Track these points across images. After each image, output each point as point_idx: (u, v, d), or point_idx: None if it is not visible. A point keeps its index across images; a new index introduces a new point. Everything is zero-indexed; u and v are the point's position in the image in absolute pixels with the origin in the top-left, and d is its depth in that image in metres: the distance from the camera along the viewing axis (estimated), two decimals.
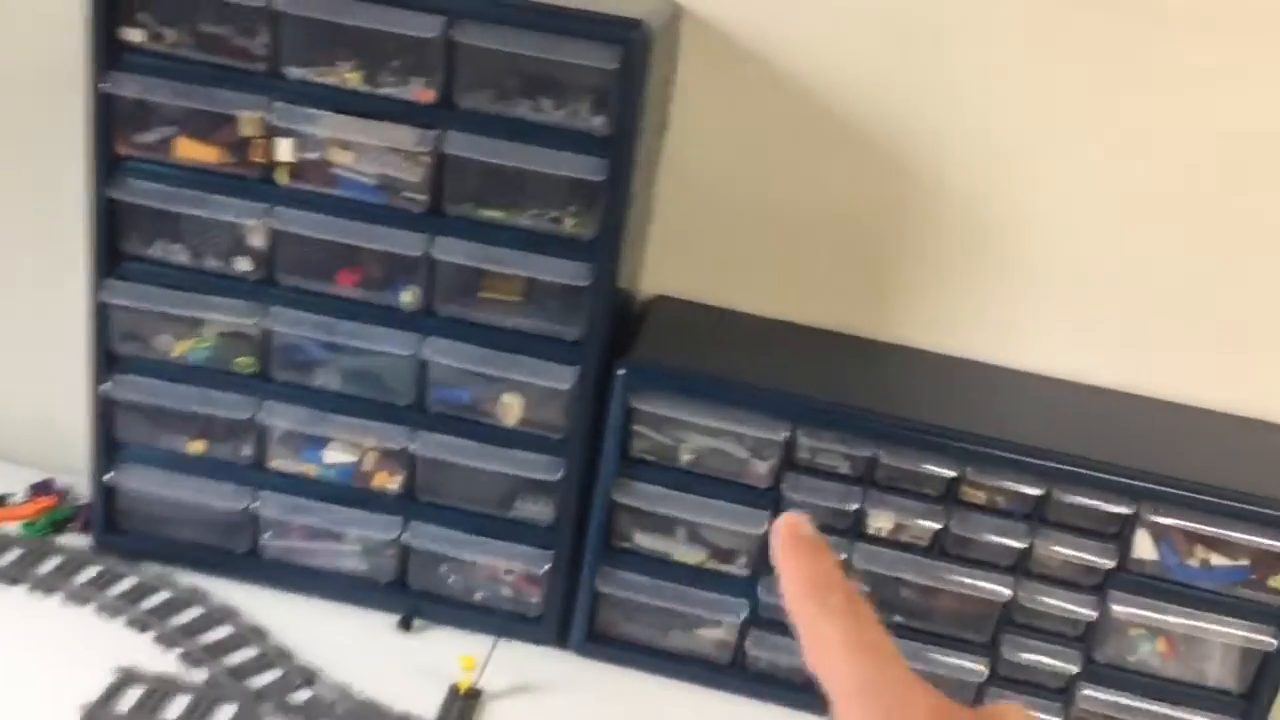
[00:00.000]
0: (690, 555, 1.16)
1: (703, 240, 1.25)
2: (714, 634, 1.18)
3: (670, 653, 1.19)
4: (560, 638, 1.20)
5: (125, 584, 1.18)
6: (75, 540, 1.23)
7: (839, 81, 1.16)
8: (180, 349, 1.16)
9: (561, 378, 1.10)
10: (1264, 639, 1.07)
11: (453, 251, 1.08)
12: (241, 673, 1.09)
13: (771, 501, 1.11)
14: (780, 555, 0.34)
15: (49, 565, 1.19)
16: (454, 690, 1.11)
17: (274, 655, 1.11)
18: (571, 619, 1.19)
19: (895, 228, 1.20)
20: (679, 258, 1.26)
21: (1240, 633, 1.07)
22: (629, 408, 1.11)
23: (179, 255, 1.12)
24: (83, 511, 1.26)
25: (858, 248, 1.22)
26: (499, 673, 1.15)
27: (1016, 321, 1.21)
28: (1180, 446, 1.13)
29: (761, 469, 1.11)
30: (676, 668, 1.19)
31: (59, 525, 1.25)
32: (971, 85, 1.14)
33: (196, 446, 1.18)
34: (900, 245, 1.21)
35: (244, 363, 1.15)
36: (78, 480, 1.26)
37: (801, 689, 1.16)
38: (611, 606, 1.19)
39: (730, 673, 1.18)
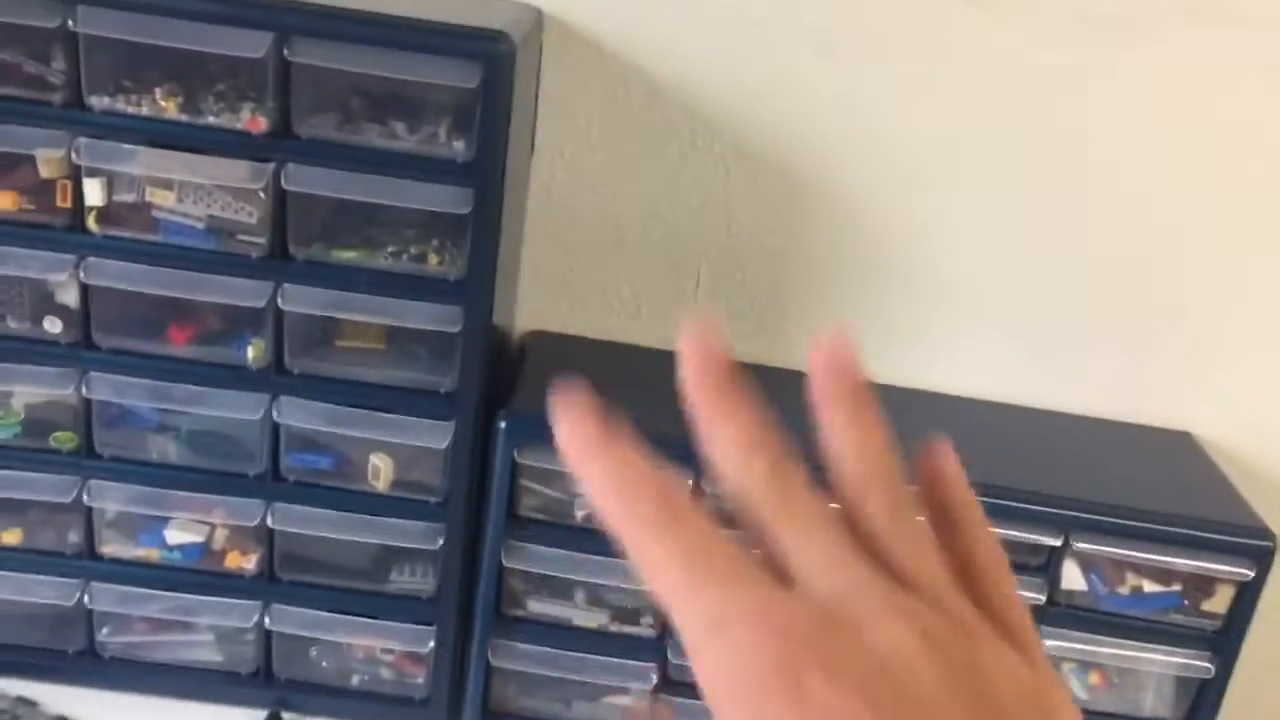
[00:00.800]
0: (590, 619, 1.05)
1: (581, 270, 1.14)
2: (623, 701, 1.08)
3: None
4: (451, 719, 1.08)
5: None
6: None
7: (723, 93, 1.06)
8: None
9: (436, 434, 0.98)
10: (1200, 664, 1.01)
11: (302, 299, 0.95)
12: None
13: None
14: (577, 456, 0.30)
15: None
16: None
17: None
18: (463, 698, 1.07)
19: (788, 246, 1.11)
20: (556, 291, 1.15)
21: (1176, 659, 1.02)
22: (514, 462, 0.99)
23: None
24: None
25: (748, 271, 1.13)
26: None
27: (920, 342, 1.14)
28: (1102, 466, 1.07)
29: None
30: None
31: None
32: (867, 97, 1.06)
33: (11, 536, 1.02)
34: (793, 267, 1.12)
35: (63, 438, 1.00)
36: None
37: None
38: (507, 681, 1.07)
39: None
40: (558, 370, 1.12)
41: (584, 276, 1.14)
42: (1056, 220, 1.09)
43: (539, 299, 1.15)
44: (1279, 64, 1.03)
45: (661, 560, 0.29)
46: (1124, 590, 1.01)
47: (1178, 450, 1.12)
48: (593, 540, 1.01)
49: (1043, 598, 1.00)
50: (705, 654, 0.28)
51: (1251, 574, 0.98)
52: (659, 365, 1.12)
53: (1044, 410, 1.14)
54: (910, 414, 1.10)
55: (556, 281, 1.15)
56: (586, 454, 0.30)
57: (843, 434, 0.31)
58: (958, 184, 1.09)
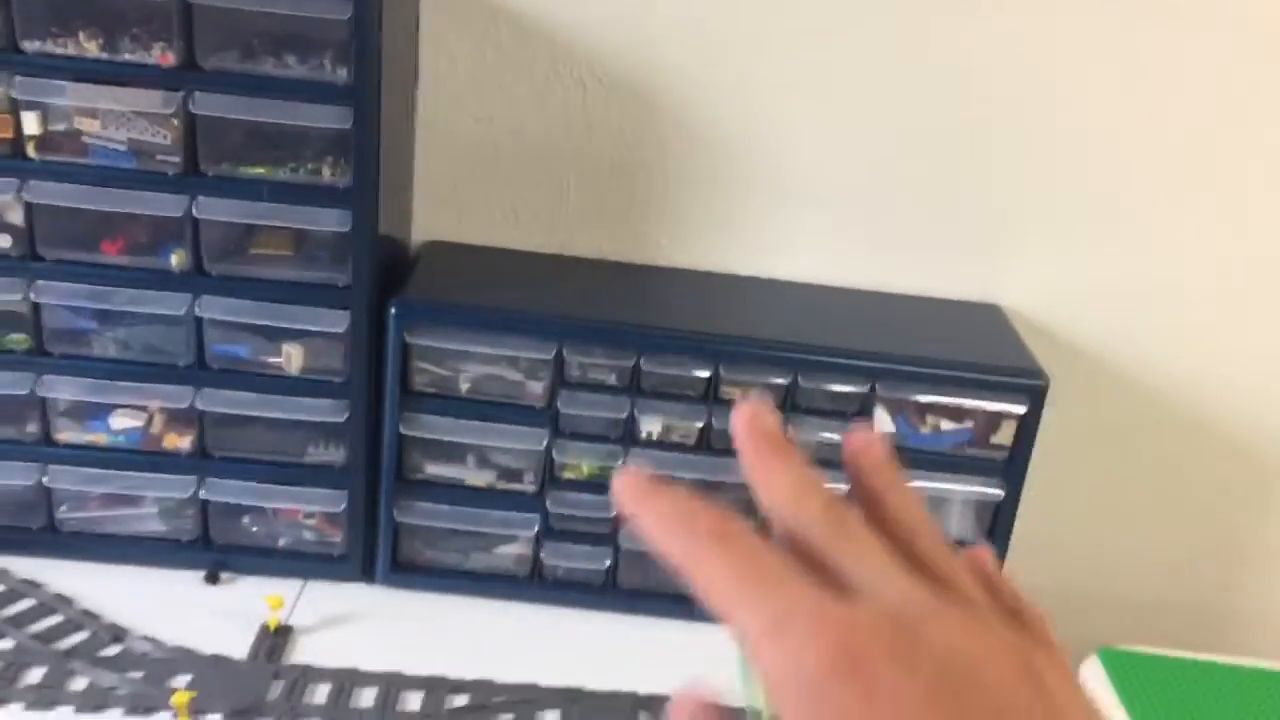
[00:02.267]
0: (480, 478, 1.23)
1: (467, 185, 1.31)
2: (511, 549, 1.26)
3: (472, 573, 1.26)
4: (366, 572, 1.25)
5: None
6: None
7: (578, 23, 1.23)
8: None
9: (336, 322, 1.15)
10: (993, 491, 1.20)
11: (215, 210, 1.12)
12: (48, 637, 1.11)
13: (550, 419, 1.19)
14: (632, 504, 0.32)
15: None
16: (264, 629, 1.15)
17: (80, 619, 1.14)
18: (375, 553, 1.24)
19: (644, 157, 1.29)
20: (445, 205, 1.32)
21: (973, 488, 1.20)
22: (405, 344, 1.16)
23: None
24: None
25: (612, 179, 1.30)
26: (308, 610, 1.20)
27: (761, 234, 1.31)
28: (907, 331, 1.25)
29: (537, 389, 1.19)
30: (480, 586, 1.26)
31: None
32: (706, 18, 1.22)
33: None
34: (651, 172, 1.29)
35: (17, 339, 1.16)
36: None
37: (596, 591, 1.25)
38: (412, 536, 1.25)
39: (530, 584, 1.26)
40: (447, 270, 1.30)
41: (469, 191, 1.31)
42: (877, 119, 1.26)
43: (431, 213, 1.32)
44: None
45: (719, 573, 0.29)
46: (926, 430, 1.19)
47: (983, 318, 1.30)
48: (479, 409, 1.19)
49: None
50: (767, 653, 0.28)
51: (1026, 409, 1.16)
52: (535, 265, 1.30)
53: (870, 291, 1.32)
54: (752, 299, 1.29)
55: (445, 197, 1.32)
56: (641, 499, 0.32)
57: (885, 491, 0.33)
58: (789, 91, 1.25)
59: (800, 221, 1.31)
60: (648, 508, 0.31)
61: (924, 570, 0.31)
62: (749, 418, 0.33)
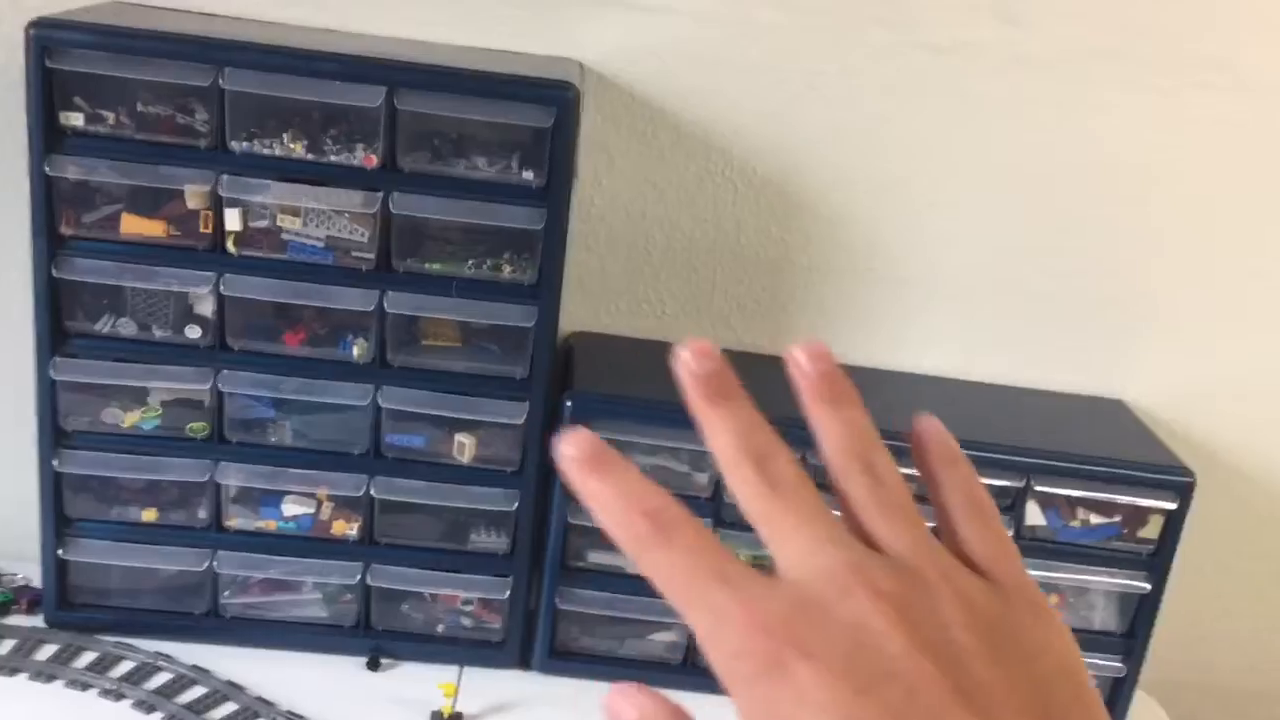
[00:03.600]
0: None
1: (615, 279, 1.35)
2: (665, 637, 1.28)
3: (627, 659, 1.28)
4: (523, 659, 1.27)
5: (88, 657, 1.18)
6: (23, 621, 1.23)
7: (731, 126, 1.28)
8: (130, 420, 1.18)
9: (514, 414, 1.19)
10: (1138, 584, 1.24)
11: (402, 304, 1.15)
12: None
13: (714, 509, 1.22)
14: (577, 475, 0.33)
15: (4, 648, 1.18)
16: (437, 716, 1.17)
17: (256, 706, 1.15)
18: (533, 640, 1.26)
19: (789, 253, 1.34)
20: (595, 296, 1.36)
21: (1118, 580, 1.25)
22: None
23: (127, 328, 1.15)
24: (22, 593, 1.25)
25: (757, 274, 1.34)
26: (472, 697, 1.21)
27: (896, 328, 1.36)
28: (1052, 425, 1.30)
29: (702, 480, 1.22)
30: (634, 673, 1.28)
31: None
32: (847, 126, 1.28)
33: (149, 514, 1.21)
34: (794, 268, 1.34)
35: (196, 427, 1.18)
36: (8, 562, 1.27)
37: None
38: (570, 623, 1.27)
39: (682, 671, 1.28)
40: (604, 362, 1.34)
41: (618, 284, 1.35)
42: (1007, 214, 1.32)
43: (581, 304, 1.36)
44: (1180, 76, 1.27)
45: (665, 571, 0.32)
46: (1075, 524, 1.24)
47: (1112, 414, 1.35)
48: None
49: (1011, 531, 1.22)
50: (712, 657, 0.31)
51: (1174, 505, 1.21)
52: None
53: (997, 384, 1.37)
54: (884, 392, 1.34)
55: (595, 288, 1.36)
56: (585, 472, 0.33)
57: (827, 422, 0.35)
58: (925, 190, 1.31)
59: (931, 316, 1.36)
60: (594, 485, 0.33)
61: (858, 524, 0.33)
62: (695, 365, 0.35)
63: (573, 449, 0.33)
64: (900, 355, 1.37)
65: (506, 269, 1.17)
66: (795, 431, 0.37)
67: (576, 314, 1.37)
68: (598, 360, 1.31)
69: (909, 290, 1.35)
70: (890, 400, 1.33)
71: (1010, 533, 1.21)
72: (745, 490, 0.34)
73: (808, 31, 1.25)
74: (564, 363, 1.28)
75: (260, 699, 1.16)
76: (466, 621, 1.27)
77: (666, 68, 1.27)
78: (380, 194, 1.11)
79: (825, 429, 0.36)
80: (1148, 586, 1.24)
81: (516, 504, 1.21)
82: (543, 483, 1.21)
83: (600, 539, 1.23)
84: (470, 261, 1.17)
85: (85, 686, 1.15)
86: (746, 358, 1.36)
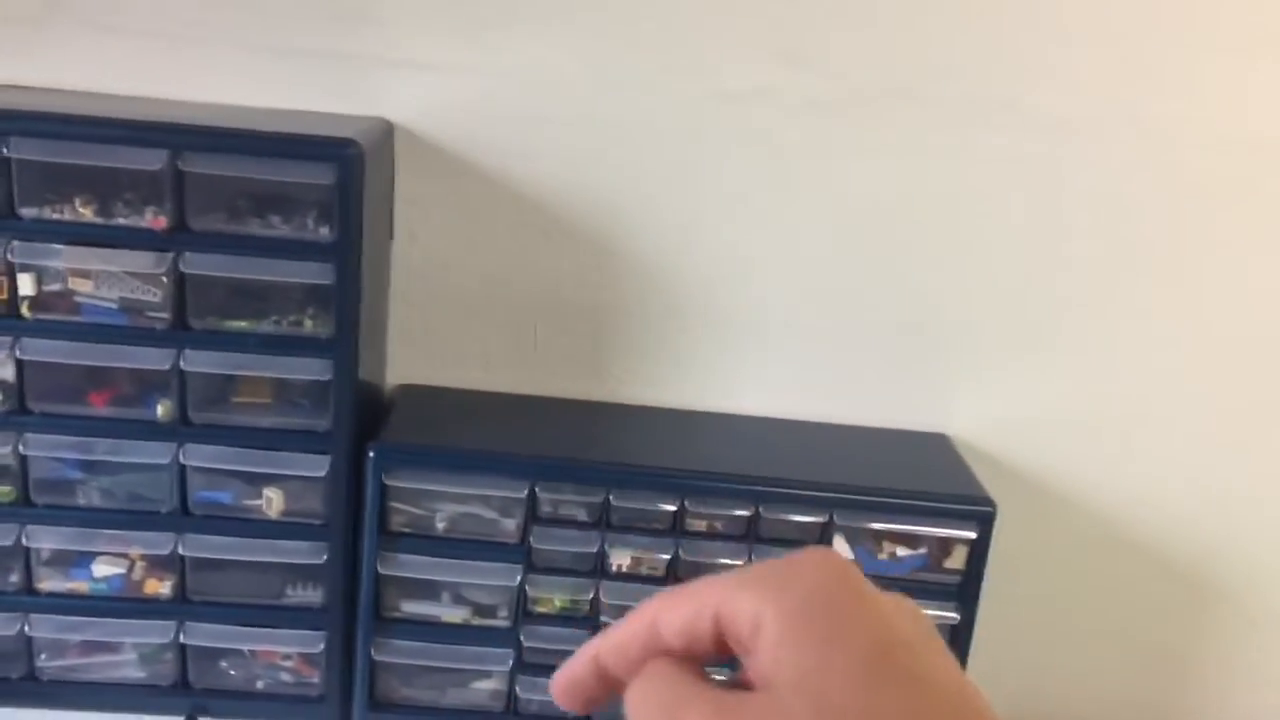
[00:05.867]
0: (455, 615, 1.26)
1: (439, 331, 1.37)
2: (487, 685, 1.29)
3: (449, 709, 1.28)
4: (343, 712, 1.27)
5: None
6: None
7: (539, 174, 1.32)
8: None
9: (317, 466, 1.20)
10: (949, 614, 1.25)
11: (200, 362, 1.17)
12: None
13: (523, 555, 1.23)
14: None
15: None
16: None
17: None
18: (352, 692, 1.27)
19: (606, 299, 1.36)
20: (419, 350, 1.38)
21: (930, 611, 1.25)
22: (383, 486, 1.21)
23: None
24: None
25: (577, 322, 1.37)
26: None
27: (718, 371, 1.38)
28: (862, 461, 1.32)
29: (510, 526, 1.23)
30: None
31: None
32: (652, 174, 1.32)
33: None
34: (613, 314, 1.37)
35: (2, 492, 1.19)
36: None
37: None
38: (389, 675, 1.27)
39: (506, 719, 1.28)
40: (421, 413, 1.36)
41: (442, 337, 1.38)
42: (825, 259, 1.35)
43: (405, 358, 1.38)
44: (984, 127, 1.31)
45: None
46: (884, 556, 1.25)
47: (931, 447, 1.37)
48: (453, 547, 1.23)
49: None
50: None
51: (976, 535, 1.23)
52: (505, 406, 1.35)
53: (822, 424, 1.39)
54: (713, 433, 1.35)
55: (419, 343, 1.38)
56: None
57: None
58: (740, 232, 1.33)
59: (755, 358, 1.39)
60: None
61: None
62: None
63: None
64: (722, 397, 1.39)
65: (309, 324, 1.19)
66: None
67: (404, 368, 1.39)
68: (419, 412, 1.33)
69: (728, 332, 1.37)
70: (712, 442, 1.35)
71: None
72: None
73: (606, 84, 1.28)
74: (384, 415, 1.30)
75: None
76: (286, 677, 1.27)
77: (473, 123, 1.30)
78: (170, 254, 1.13)
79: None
80: (957, 617, 1.25)
81: (325, 556, 1.22)
82: (351, 535, 1.22)
83: (414, 589, 1.25)
84: (274, 318, 1.19)
85: None
86: (575, 405, 1.38)
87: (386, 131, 1.27)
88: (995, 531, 1.23)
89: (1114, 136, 1.30)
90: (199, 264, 1.14)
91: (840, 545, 1.24)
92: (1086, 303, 1.37)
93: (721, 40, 1.27)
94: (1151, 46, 1.28)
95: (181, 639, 1.23)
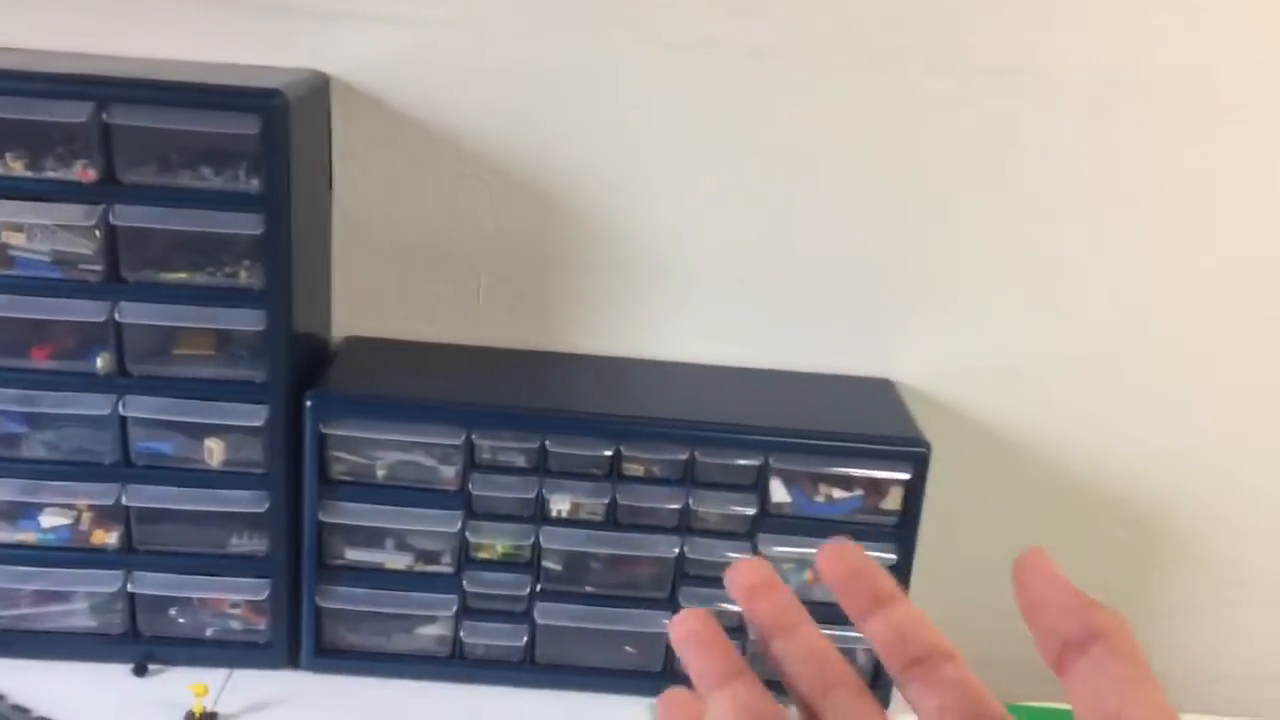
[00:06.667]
0: (399, 561, 1.28)
1: (382, 283, 1.38)
2: (431, 630, 1.31)
3: (395, 654, 1.30)
4: (291, 658, 1.29)
5: None
6: None
7: (481, 126, 1.32)
8: None
9: (255, 416, 1.21)
10: (885, 555, 1.26)
11: (137, 314, 1.18)
12: None
13: (463, 502, 1.24)
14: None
15: None
16: (189, 716, 1.19)
17: (9, 713, 1.17)
18: (299, 639, 1.29)
19: (547, 250, 1.37)
20: (364, 302, 1.39)
21: (869, 553, 1.26)
22: (321, 435, 1.22)
23: None
24: None
25: (515, 272, 1.37)
26: (234, 697, 1.24)
27: (652, 320, 1.39)
28: (801, 406, 1.32)
29: (449, 473, 1.25)
30: (403, 667, 1.30)
31: None
32: (596, 124, 1.31)
33: None
34: (554, 264, 1.37)
35: None
36: None
37: (515, 667, 1.29)
38: (335, 621, 1.29)
39: (451, 663, 1.30)
40: (364, 364, 1.37)
41: (386, 289, 1.38)
42: (766, 205, 1.35)
43: (350, 311, 1.39)
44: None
45: None
46: (820, 499, 1.26)
47: (874, 392, 1.38)
48: (394, 495, 1.25)
49: (754, 510, 1.25)
50: None
51: (910, 475, 1.23)
52: (447, 356, 1.36)
53: (768, 370, 1.40)
54: (653, 380, 1.36)
55: (363, 295, 1.39)
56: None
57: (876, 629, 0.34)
58: (680, 181, 1.34)
59: (698, 305, 1.39)
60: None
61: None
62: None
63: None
64: (665, 345, 1.40)
65: (243, 276, 1.20)
66: None
67: (350, 320, 1.40)
68: (361, 363, 1.34)
69: (672, 280, 1.38)
70: (649, 389, 1.36)
71: (753, 511, 1.24)
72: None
73: (548, 36, 1.28)
74: (327, 366, 1.31)
75: (16, 706, 1.18)
76: (235, 624, 1.29)
77: (412, 76, 1.30)
78: (100, 207, 1.14)
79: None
80: (894, 558, 1.26)
81: (267, 505, 1.24)
82: (292, 484, 1.24)
83: (357, 537, 1.26)
84: (209, 269, 1.20)
85: None
86: (518, 355, 1.39)
87: (320, 84, 1.27)
88: (937, 474, 1.24)
89: (1054, 86, 1.29)
90: (130, 216, 1.15)
91: (777, 488, 1.25)
92: (1031, 250, 1.36)
93: None
94: None
95: (130, 588, 1.26)
